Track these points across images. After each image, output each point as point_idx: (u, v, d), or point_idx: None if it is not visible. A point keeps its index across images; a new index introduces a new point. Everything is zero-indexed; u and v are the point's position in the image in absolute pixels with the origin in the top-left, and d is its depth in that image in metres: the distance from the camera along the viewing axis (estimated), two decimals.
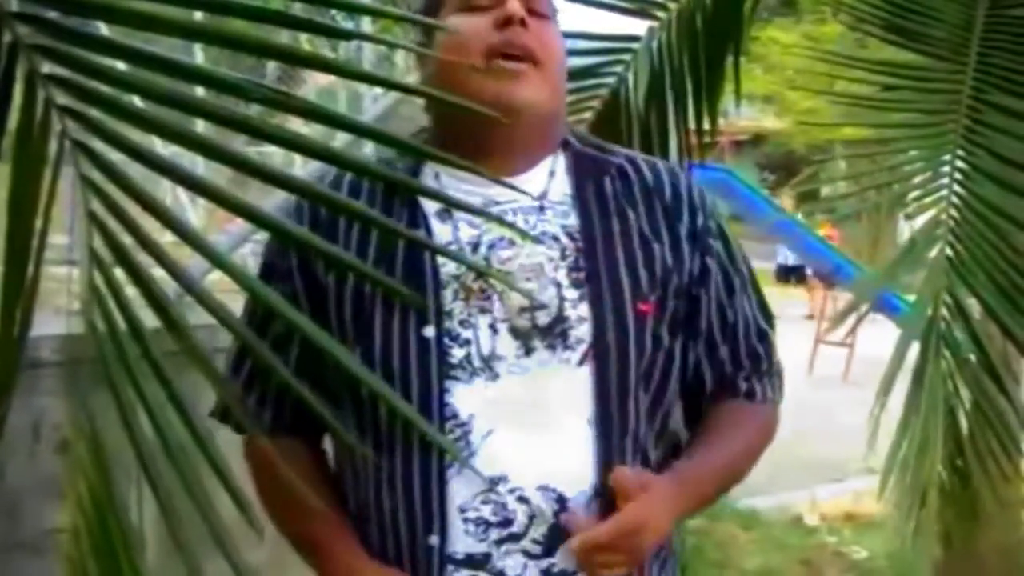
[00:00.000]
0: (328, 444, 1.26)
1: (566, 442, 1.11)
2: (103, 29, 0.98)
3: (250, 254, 3.63)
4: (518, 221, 1.16)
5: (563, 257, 1.15)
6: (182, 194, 3.50)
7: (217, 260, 0.79)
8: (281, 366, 0.91)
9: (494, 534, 1.10)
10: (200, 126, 0.95)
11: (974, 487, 1.73)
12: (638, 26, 2.29)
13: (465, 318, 1.12)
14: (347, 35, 0.92)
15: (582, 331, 1.13)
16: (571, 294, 1.14)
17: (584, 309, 1.13)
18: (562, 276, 1.14)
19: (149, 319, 0.82)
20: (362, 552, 1.15)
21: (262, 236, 0.91)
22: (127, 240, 0.79)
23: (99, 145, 0.81)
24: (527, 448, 1.11)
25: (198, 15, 0.93)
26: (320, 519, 1.16)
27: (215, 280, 0.97)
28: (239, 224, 3.15)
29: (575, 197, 1.18)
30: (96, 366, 0.81)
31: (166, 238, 0.85)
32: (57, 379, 2.43)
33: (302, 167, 2.87)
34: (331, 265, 1.13)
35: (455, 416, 1.11)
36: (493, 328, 1.12)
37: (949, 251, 1.78)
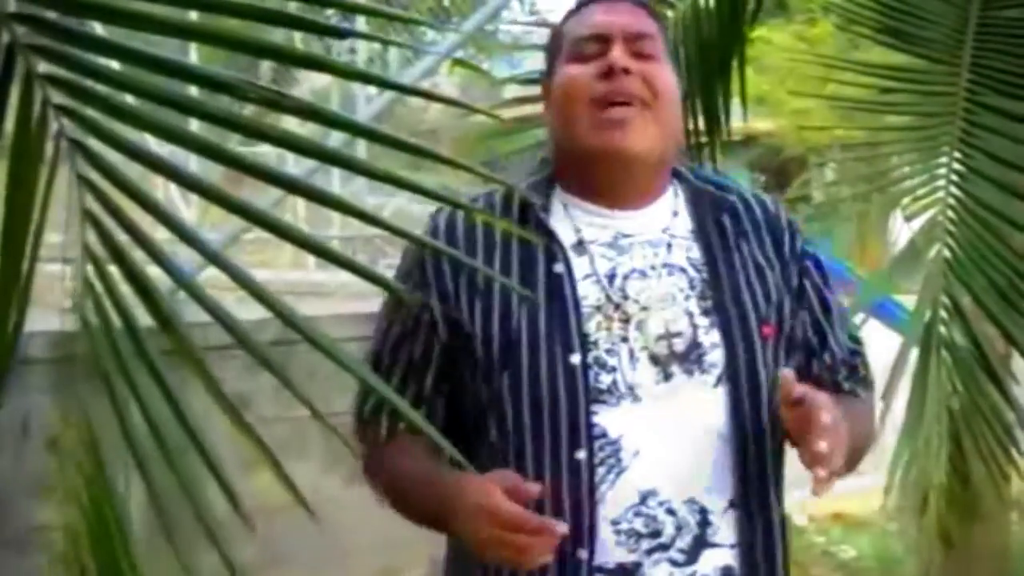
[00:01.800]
0: None
1: (705, 458, 1.19)
2: (99, 29, 0.98)
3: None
4: (647, 253, 1.23)
5: (691, 287, 1.22)
6: (175, 192, 3.49)
7: (212, 257, 0.79)
8: (397, 397, 1.02)
9: (645, 544, 1.17)
10: (195, 125, 0.94)
11: (974, 487, 1.74)
12: None
13: (609, 347, 1.18)
14: (342, 33, 0.92)
15: (715, 356, 1.20)
16: (702, 321, 1.21)
17: (716, 335, 1.20)
18: (692, 305, 1.21)
19: (142, 316, 0.82)
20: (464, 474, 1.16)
21: (257, 233, 0.91)
22: (122, 237, 0.79)
23: (95, 144, 0.80)
24: (672, 465, 1.18)
25: (193, 15, 0.93)
26: (436, 467, 1.19)
27: (209, 276, 0.97)
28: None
29: (697, 231, 1.25)
30: (88, 363, 0.81)
31: (159, 235, 0.85)
32: (46, 376, 2.42)
33: (295, 166, 2.86)
34: (474, 289, 1.19)
35: (604, 435, 1.17)
36: (633, 356, 1.18)
37: (947, 252, 1.79)
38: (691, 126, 2.27)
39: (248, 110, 0.87)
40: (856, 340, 1.36)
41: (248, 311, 0.85)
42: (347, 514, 2.88)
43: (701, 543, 1.18)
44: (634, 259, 1.22)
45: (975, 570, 3.59)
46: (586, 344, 1.17)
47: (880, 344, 1.96)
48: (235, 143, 1.28)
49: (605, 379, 1.17)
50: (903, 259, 1.84)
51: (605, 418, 1.17)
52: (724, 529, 1.20)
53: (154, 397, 0.82)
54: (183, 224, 0.78)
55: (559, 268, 1.20)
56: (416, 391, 1.22)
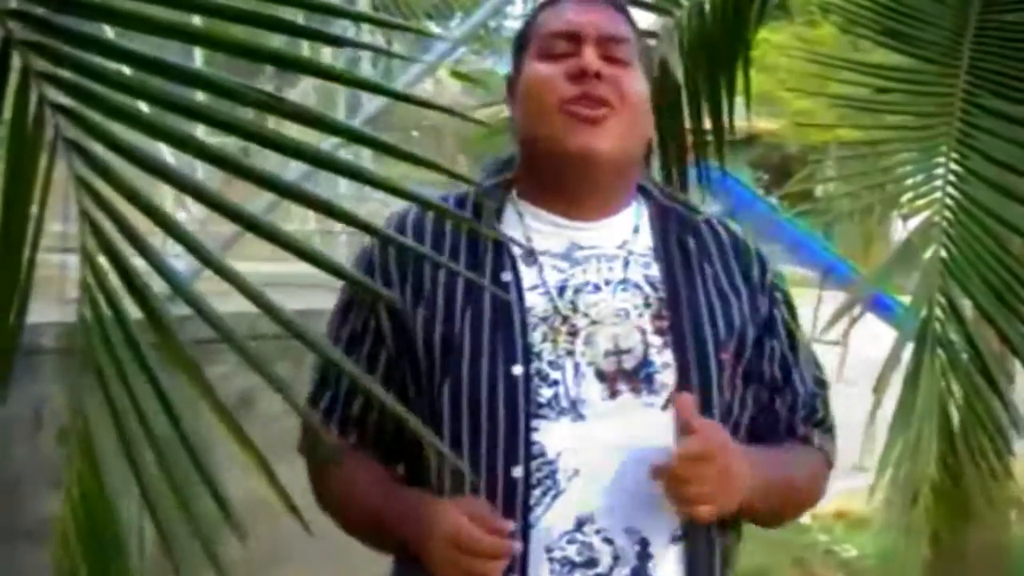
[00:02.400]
0: None
1: (650, 486, 1.12)
2: (98, 28, 0.98)
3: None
4: (602, 268, 1.19)
5: (647, 305, 1.18)
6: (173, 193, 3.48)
7: (208, 260, 0.79)
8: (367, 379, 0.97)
9: (578, 574, 1.11)
10: (194, 127, 0.95)
11: (965, 486, 1.74)
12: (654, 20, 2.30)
13: (553, 359, 1.14)
14: (338, 42, 0.93)
15: (667, 376, 1.16)
16: (655, 340, 1.17)
17: (668, 355, 1.16)
18: (646, 323, 1.17)
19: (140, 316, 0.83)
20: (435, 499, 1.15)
21: (249, 237, 0.91)
22: (117, 238, 0.79)
23: (92, 144, 0.81)
24: (613, 489, 1.12)
25: (195, 18, 0.93)
26: (393, 487, 1.19)
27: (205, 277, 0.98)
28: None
29: (658, 249, 1.21)
30: (87, 363, 0.82)
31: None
32: (59, 366, 2.42)
33: (294, 170, 2.87)
34: (420, 292, 1.16)
35: (543, 454, 1.12)
36: (578, 371, 1.14)
37: (943, 253, 1.79)
38: (695, 125, 2.28)
39: (248, 114, 0.87)
40: (820, 383, 1.33)
41: (245, 304, 0.85)
42: None
43: None
44: (587, 272, 1.18)
45: (972, 569, 3.59)
46: (529, 355, 1.13)
47: (877, 339, 1.97)
48: (234, 147, 1.29)
49: (546, 392, 1.13)
50: (900, 258, 1.84)
51: (544, 435, 1.12)
52: (667, 564, 1.14)
53: (150, 396, 0.83)
54: (178, 225, 0.79)
55: (507, 277, 1.16)
56: (365, 398, 1.20)
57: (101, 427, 0.84)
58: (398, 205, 1.21)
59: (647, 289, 1.19)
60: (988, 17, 1.94)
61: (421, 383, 1.16)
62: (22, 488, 2.54)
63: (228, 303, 0.86)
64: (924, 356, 1.71)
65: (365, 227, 0.85)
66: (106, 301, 0.79)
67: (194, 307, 0.77)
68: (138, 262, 0.82)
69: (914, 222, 1.87)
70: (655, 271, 1.20)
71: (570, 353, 1.14)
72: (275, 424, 1.31)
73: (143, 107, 0.82)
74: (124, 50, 0.83)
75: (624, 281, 1.18)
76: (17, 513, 2.54)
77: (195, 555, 0.84)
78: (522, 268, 1.17)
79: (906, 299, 1.88)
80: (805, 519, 5.32)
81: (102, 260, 0.79)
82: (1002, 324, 1.72)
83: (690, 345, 1.17)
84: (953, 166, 1.83)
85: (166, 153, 1.12)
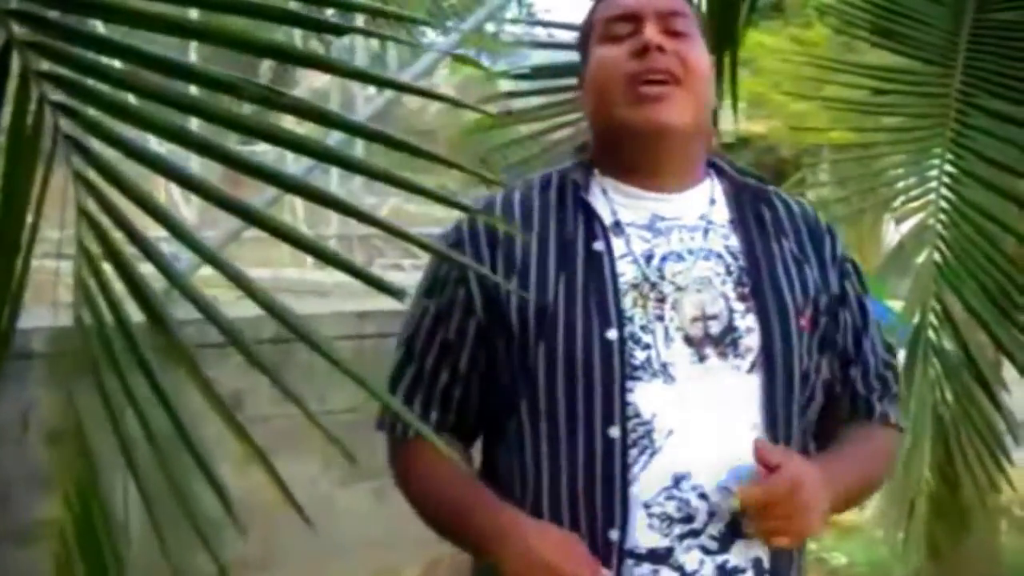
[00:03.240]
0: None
1: (738, 444, 1.15)
2: (97, 27, 0.98)
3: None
4: (684, 237, 1.23)
5: (728, 272, 1.22)
6: (176, 191, 3.48)
7: (209, 256, 0.79)
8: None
9: (677, 529, 1.15)
10: (194, 124, 0.95)
11: (962, 493, 1.74)
12: None
13: (644, 324, 1.18)
14: (340, 30, 0.93)
15: (751, 340, 1.19)
16: (738, 306, 1.20)
17: (751, 320, 1.20)
18: (729, 290, 1.21)
19: (137, 314, 0.82)
20: (520, 511, 1.17)
21: (256, 232, 0.90)
22: (117, 236, 0.79)
23: (92, 142, 0.81)
24: (706, 448, 1.16)
25: (192, 13, 0.93)
26: (475, 488, 1.20)
27: (209, 275, 0.97)
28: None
29: (736, 221, 1.25)
30: (82, 361, 0.81)
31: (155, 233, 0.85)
32: (47, 371, 2.43)
33: (293, 164, 2.87)
34: (511, 265, 1.20)
35: (638, 415, 1.16)
36: (668, 335, 1.18)
37: (937, 256, 1.79)
38: None
39: (247, 109, 0.87)
40: (890, 350, 1.37)
41: (246, 309, 0.85)
42: (344, 512, 2.89)
43: (734, 532, 1.16)
44: (671, 242, 1.22)
45: (967, 575, 3.60)
46: (622, 320, 1.17)
47: None
48: (233, 142, 1.29)
49: (639, 355, 1.17)
50: (893, 262, 1.84)
51: (639, 396, 1.16)
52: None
53: (148, 395, 0.82)
54: (180, 223, 0.79)
55: (598, 246, 1.20)
56: (451, 370, 1.23)
57: (94, 426, 0.84)
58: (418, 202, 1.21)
59: (728, 258, 1.23)
60: (984, 16, 1.94)
61: (513, 348, 1.19)
62: (9, 491, 2.54)
63: (227, 310, 0.85)
64: (917, 364, 1.71)
65: (406, 236, 0.84)
66: (104, 299, 0.79)
67: (195, 304, 0.77)
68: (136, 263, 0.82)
69: (907, 225, 1.87)
70: (734, 241, 1.24)
71: (660, 318, 1.19)
72: (265, 426, 1.30)
73: (143, 104, 0.82)
74: (123, 47, 0.82)
75: (706, 250, 1.23)
76: (4, 516, 2.53)
77: (188, 555, 0.83)
78: (612, 239, 1.21)
79: (898, 305, 1.88)
80: None
81: (100, 259, 0.79)
82: (996, 330, 1.72)
83: (772, 311, 1.21)
84: (948, 167, 1.83)
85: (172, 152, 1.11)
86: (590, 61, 1.25)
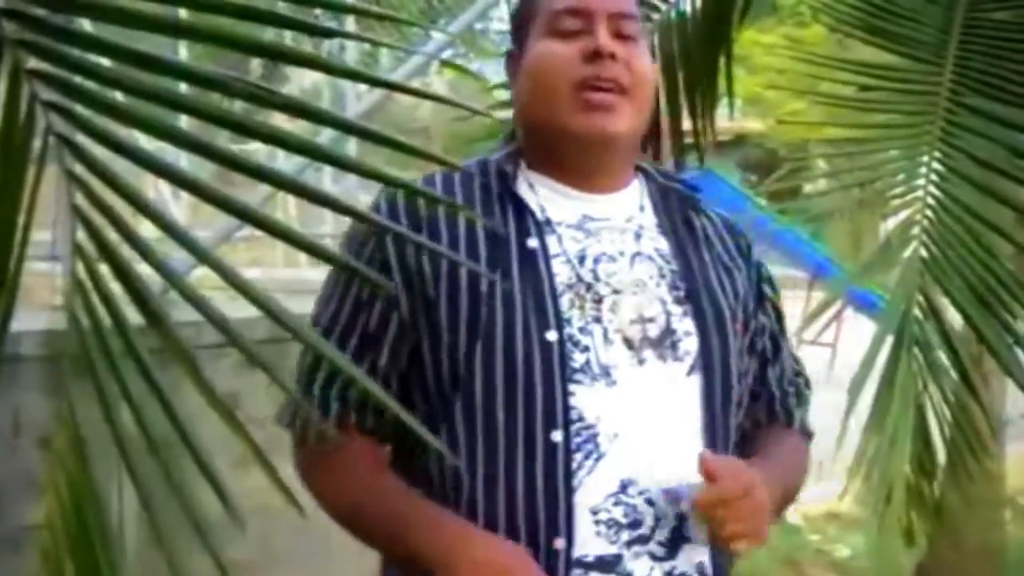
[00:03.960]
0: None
1: (679, 448, 1.14)
2: (88, 25, 0.98)
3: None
4: (615, 239, 1.20)
5: (661, 276, 1.20)
6: (165, 188, 3.48)
7: (202, 256, 0.79)
8: (359, 373, 0.94)
9: (625, 535, 1.12)
10: (184, 122, 0.95)
11: (941, 487, 1.75)
12: None
13: (582, 326, 1.15)
14: (329, 33, 0.93)
15: (689, 344, 1.18)
16: (675, 309, 1.18)
17: (689, 324, 1.18)
18: (664, 293, 1.19)
19: (133, 314, 0.82)
20: (465, 521, 1.12)
21: (248, 231, 0.90)
22: (111, 235, 0.79)
23: (83, 140, 0.81)
24: (651, 452, 1.13)
25: (183, 12, 0.93)
26: (408, 499, 1.14)
27: (200, 276, 0.97)
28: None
29: (664, 225, 1.24)
30: (77, 361, 0.81)
31: (150, 233, 0.85)
32: (38, 374, 2.42)
33: (284, 162, 2.87)
34: (438, 263, 1.13)
35: (581, 419, 1.12)
36: (607, 337, 1.15)
37: (923, 252, 1.80)
38: (679, 127, 2.29)
39: (238, 107, 0.87)
40: (796, 360, 1.38)
41: (240, 309, 0.85)
42: None
43: (679, 537, 1.14)
44: (602, 243, 1.19)
45: (968, 570, 3.61)
46: (561, 321, 1.13)
47: (866, 341, 1.98)
48: (224, 140, 1.29)
49: (579, 358, 1.13)
50: (881, 257, 1.85)
51: (581, 400, 1.12)
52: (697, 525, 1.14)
53: (145, 396, 0.82)
54: (173, 222, 0.79)
55: (533, 243, 1.16)
56: (371, 365, 1.15)
57: (90, 428, 0.84)
58: None
59: (659, 261, 1.21)
60: (974, 15, 1.96)
61: (441, 350, 1.13)
62: (1, 496, 2.54)
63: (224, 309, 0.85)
64: (900, 355, 1.72)
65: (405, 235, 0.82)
66: (100, 298, 0.79)
67: (191, 302, 0.77)
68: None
69: (895, 220, 1.88)
70: (664, 245, 1.22)
71: (597, 320, 1.15)
72: (262, 427, 1.30)
73: (134, 102, 0.82)
74: (114, 46, 0.82)
75: (638, 253, 1.20)
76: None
77: (185, 557, 0.83)
78: (545, 237, 1.18)
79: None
80: (796, 520, 5.34)
81: (94, 257, 0.79)
82: (980, 324, 1.73)
83: (708, 314, 1.19)
84: (936, 165, 1.84)
85: (165, 150, 1.11)
86: (533, 52, 1.19)
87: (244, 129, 0.80)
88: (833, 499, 5.34)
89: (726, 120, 2.51)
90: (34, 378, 2.38)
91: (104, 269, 0.81)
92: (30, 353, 2.37)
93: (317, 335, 1.08)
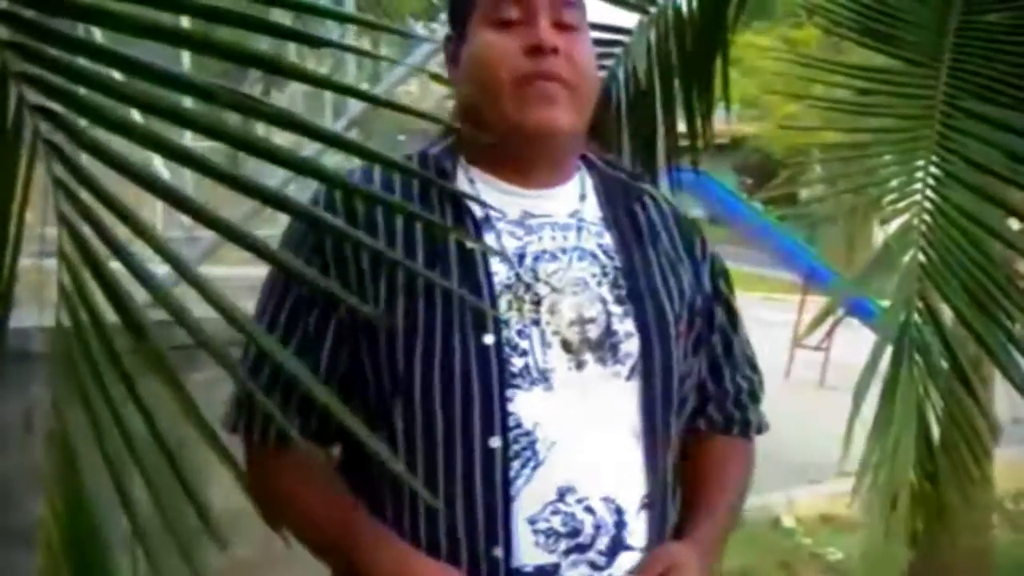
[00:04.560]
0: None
1: (619, 454, 1.13)
2: (78, 29, 0.98)
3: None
4: (556, 236, 1.17)
5: (604, 274, 1.17)
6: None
7: (183, 270, 0.78)
8: (301, 369, 0.91)
9: (563, 545, 1.10)
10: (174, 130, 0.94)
11: (943, 491, 1.75)
12: (630, 19, 2.29)
13: (521, 328, 1.12)
14: (323, 43, 0.92)
15: (630, 346, 1.15)
16: (616, 309, 1.15)
17: (630, 325, 1.15)
18: (605, 292, 1.16)
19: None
20: (408, 545, 1.11)
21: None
22: (97, 243, 0.79)
23: (71, 147, 0.80)
24: (589, 459, 1.11)
25: (172, 18, 0.92)
26: (355, 515, 1.13)
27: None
28: None
29: (608, 219, 1.20)
30: (64, 365, 0.81)
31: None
32: (49, 371, 2.42)
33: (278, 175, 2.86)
34: (378, 260, 1.10)
35: (519, 425, 1.10)
36: (544, 340, 1.12)
37: (922, 257, 1.80)
38: (677, 126, 2.28)
39: (234, 118, 0.86)
40: (750, 356, 1.35)
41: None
42: None
43: (618, 544, 1.12)
44: (543, 240, 1.16)
45: (956, 573, 3.61)
46: (498, 324, 1.10)
47: (860, 344, 1.98)
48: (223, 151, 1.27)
49: (517, 362, 1.10)
50: (879, 263, 1.85)
51: (519, 406, 1.10)
52: (638, 531, 1.14)
53: (129, 401, 0.82)
54: (154, 232, 0.78)
55: (470, 243, 1.13)
56: (312, 367, 1.12)
57: (81, 432, 0.83)
58: None
59: (603, 258, 1.18)
60: (969, 18, 1.95)
61: (379, 354, 1.11)
62: (14, 491, 2.54)
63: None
64: (902, 361, 1.72)
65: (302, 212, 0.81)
66: (83, 305, 0.78)
67: (172, 313, 0.76)
68: (117, 266, 0.81)
69: (893, 226, 1.87)
70: (608, 240, 1.19)
71: (536, 322, 1.12)
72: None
73: (123, 109, 0.81)
74: (105, 51, 0.82)
75: (579, 249, 1.17)
76: (8, 516, 2.52)
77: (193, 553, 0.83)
78: (483, 234, 1.15)
79: (887, 304, 1.89)
80: (790, 523, 5.34)
81: (78, 263, 0.78)
82: (980, 329, 1.73)
83: (651, 316, 1.16)
84: (933, 169, 1.84)
85: (154, 161, 1.10)
86: (474, 44, 1.16)
87: (236, 141, 0.79)
88: (826, 502, 5.35)
89: (723, 123, 2.51)
90: (45, 375, 2.36)
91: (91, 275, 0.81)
92: (41, 350, 2.36)
93: (264, 336, 1.05)
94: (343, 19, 1.00)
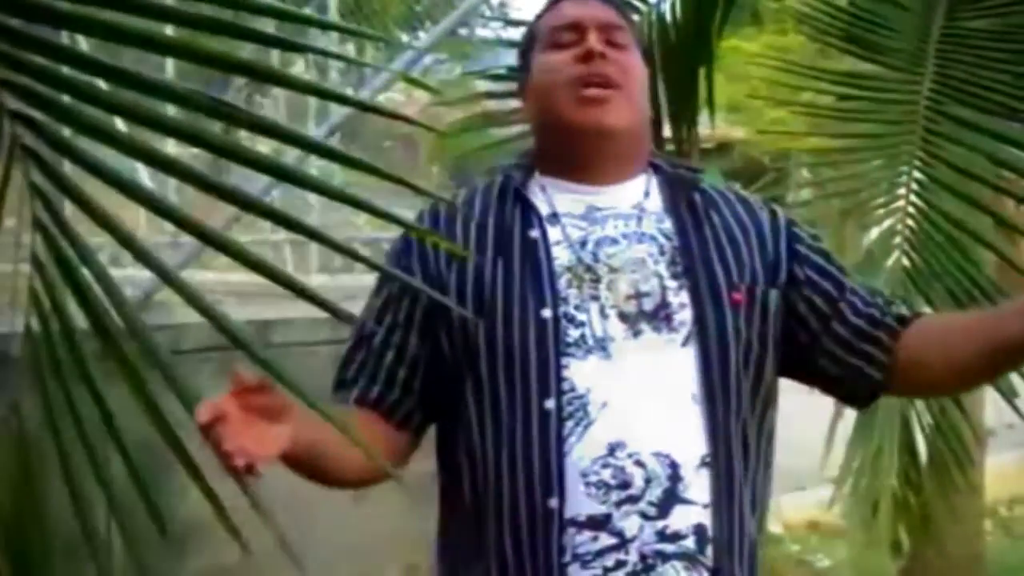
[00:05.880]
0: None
1: (676, 414, 1.22)
2: (57, 35, 0.97)
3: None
4: (618, 224, 1.29)
5: (662, 253, 1.28)
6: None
7: (163, 273, 0.78)
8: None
9: (614, 496, 1.19)
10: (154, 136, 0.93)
11: (926, 498, 1.75)
12: None
13: (579, 303, 1.24)
14: (305, 49, 0.92)
15: (684, 315, 1.25)
16: (671, 284, 1.26)
17: (684, 296, 1.26)
18: (662, 269, 1.27)
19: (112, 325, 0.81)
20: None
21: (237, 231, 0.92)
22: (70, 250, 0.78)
23: (48, 152, 0.79)
24: (641, 417, 1.21)
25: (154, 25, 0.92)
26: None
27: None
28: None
29: (669, 207, 1.32)
30: (32, 368, 0.80)
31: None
32: (30, 376, 2.39)
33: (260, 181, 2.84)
34: (452, 257, 1.27)
35: (572, 389, 1.21)
36: (603, 313, 1.24)
37: (906, 261, 1.81)
38: (665, 132, 2.29)
39: (218, 125, 0.86)
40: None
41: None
42: (324, 519, 2.87)
43: (672, 497, 1.19)
44: (606, 229, 1.29)
45: None
46: (557, 300, 1.24)
47: None
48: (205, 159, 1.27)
49: (574, 333, 1.23)
50: (866, 266, 1.85)
51: (574, 371, 1.22)
52: (696, 486, 1.20)
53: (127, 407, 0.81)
54: (132, 237, 0.77)
55: (534, 234, 1.27)
56: (397, 351, 1.29)
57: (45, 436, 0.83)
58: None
59: (661, 239, 1.29)
60: (952, 25, 1.96)
61: (455, 336, 1.26)
62: None
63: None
64: None
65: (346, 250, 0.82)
66: (53, 309, 0.78)
67: (134, 330, 0.76)
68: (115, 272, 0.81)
69: (877, 230, 1.88)
70: (668, 225, 1.31)
71: (595, 298, 1.25)
72: None
73: (102, 116, 0.80)
74: (83, 57, 0.81)
75: (640, 234, 1.29)
76: None
77: (169, 562, 0.82)
78: (547, 227, 1.29)
79: None
80: (777, 529, 5.34)
81: (51, 268, 0.78)
82: None
83: (703, 287, 1.26)
84: (916, 174, 1.85)
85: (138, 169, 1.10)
86: (535, 66, 1.34)
87: (217, 148, 0.79)
88: (815, 509, 5.36)
89: (709, 128, 2.51)
90: (26, 379, 2.34)
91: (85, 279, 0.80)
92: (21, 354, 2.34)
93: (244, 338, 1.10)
94: (326, 27, 1.00)
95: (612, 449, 1.20)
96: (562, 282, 1.25)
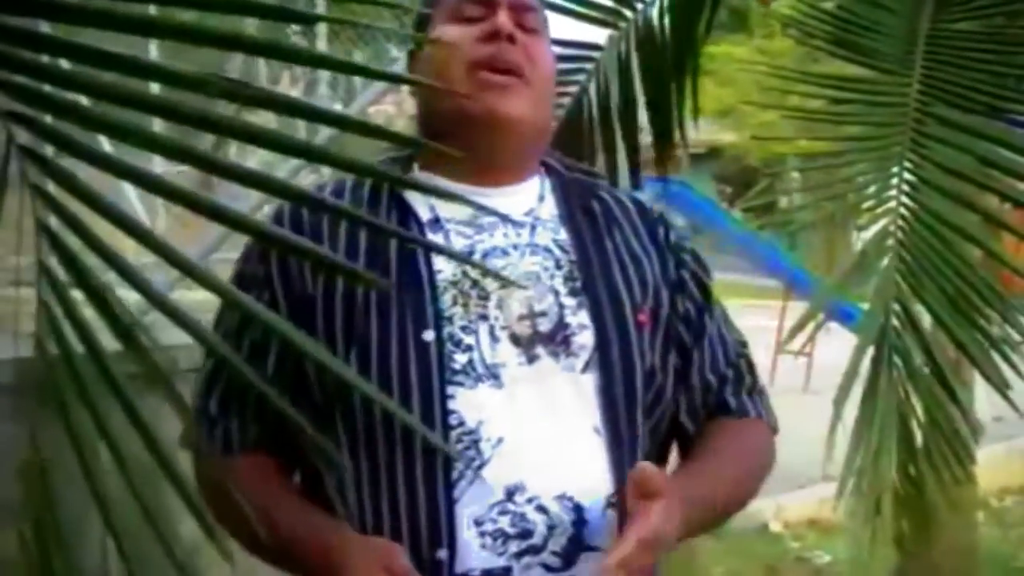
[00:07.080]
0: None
1: (577, 450, 1.09)
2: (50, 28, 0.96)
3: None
4: (509, 233, 1.15)
5: (557, 267, 1.15)
6: (138, 202, 3.42)
7: (187, 268, 0.77)
8: (255, 376, 0.91)
9: (513, 547, 1.06)
10: (157, 124, 0.92)
11: (927, 493, 1.76)
12: (601, 34, 2.32)
13: (466, 324, 1.10)
14: (297, 58, 0.90)
15: (584, 338, 1.12)
16: (569, 302, 1.13)
17: (584, 316, 1.13)
18: (559, 284, 1.14)
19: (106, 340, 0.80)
20: (347, 527, 1.08)
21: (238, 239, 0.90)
22: (85, 251, 0.77)
23: (48, 149, 0.78)
24: (540, 456, 1.07)
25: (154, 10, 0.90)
26: (292, 510, 1.11)
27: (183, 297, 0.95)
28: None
29: (564, 215, 1.19)
30: (44, 391, 0.79)
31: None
32: (10, 403, 2.37)
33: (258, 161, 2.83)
34: (318, 268, 1.10)
35: (461, 423, 1.07)
36: (493, 335, 1.10)
37: (898, 262, 1.81)
38: (650, 137, 2.30)
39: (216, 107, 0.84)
40: (741, 344, 1.29)
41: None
42: None
43: (578, 545, 1.08)
44: (494, 237, 1.15)
45: (941, 572, 3.64)
46: (440, 320, 1.09)
47: (843, 349, 1.99)
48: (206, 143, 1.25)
49: (460, 358, 1.08)
50: (857, 268, 1.86)
51: (462, 403, 1.07)
52: (603, 531, 1.08)
53: (121, 426, 0.80)
54: (152, 235, 0.76)
55: (414, 235, 1.13)
56: (260, 374, 1.10)
57: (62, 460, 0.82)
58: None
59: (557, 252, 1.16)
60: (939, 26, 1.98)
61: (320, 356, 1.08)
62: None
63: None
64: (882, 365, 1.73)
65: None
66: (71, 323, 0.76)
67: (176, 321, 0.75)
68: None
69: (871, 232, 1.89)
70: (563, 235, 1.17)
71: (483, 317, 1.10)
72: None
73: (101, 109, 0.79)
74: (75, 46, 0.79)
75: (532, 245, 1.15)
76: None
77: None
78: (428, 235, 1.14)
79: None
80: (777, 527, 5.34)
81: (64, 278, 0.76)
82: (957, 332, 1.74)
83: (606, 305, 1.14)
84: (907, 175, 1.86)
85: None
86: (433, 36, 1.17)
87: (223, 128, 0.77)
88: (813, 506, 5.36)
89: (703, 133, 2.52)
90: (7, 407, 2.32)
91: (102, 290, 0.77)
92: (6, 382, 2.32)
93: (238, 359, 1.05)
94: (318, 19, 0.99)
95: (510, 493, 1.06)
96: (446, 299, 1.10)
